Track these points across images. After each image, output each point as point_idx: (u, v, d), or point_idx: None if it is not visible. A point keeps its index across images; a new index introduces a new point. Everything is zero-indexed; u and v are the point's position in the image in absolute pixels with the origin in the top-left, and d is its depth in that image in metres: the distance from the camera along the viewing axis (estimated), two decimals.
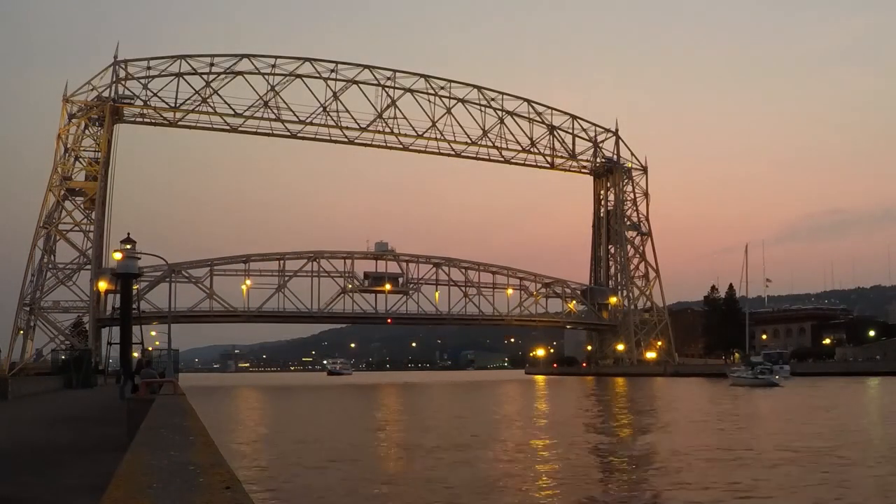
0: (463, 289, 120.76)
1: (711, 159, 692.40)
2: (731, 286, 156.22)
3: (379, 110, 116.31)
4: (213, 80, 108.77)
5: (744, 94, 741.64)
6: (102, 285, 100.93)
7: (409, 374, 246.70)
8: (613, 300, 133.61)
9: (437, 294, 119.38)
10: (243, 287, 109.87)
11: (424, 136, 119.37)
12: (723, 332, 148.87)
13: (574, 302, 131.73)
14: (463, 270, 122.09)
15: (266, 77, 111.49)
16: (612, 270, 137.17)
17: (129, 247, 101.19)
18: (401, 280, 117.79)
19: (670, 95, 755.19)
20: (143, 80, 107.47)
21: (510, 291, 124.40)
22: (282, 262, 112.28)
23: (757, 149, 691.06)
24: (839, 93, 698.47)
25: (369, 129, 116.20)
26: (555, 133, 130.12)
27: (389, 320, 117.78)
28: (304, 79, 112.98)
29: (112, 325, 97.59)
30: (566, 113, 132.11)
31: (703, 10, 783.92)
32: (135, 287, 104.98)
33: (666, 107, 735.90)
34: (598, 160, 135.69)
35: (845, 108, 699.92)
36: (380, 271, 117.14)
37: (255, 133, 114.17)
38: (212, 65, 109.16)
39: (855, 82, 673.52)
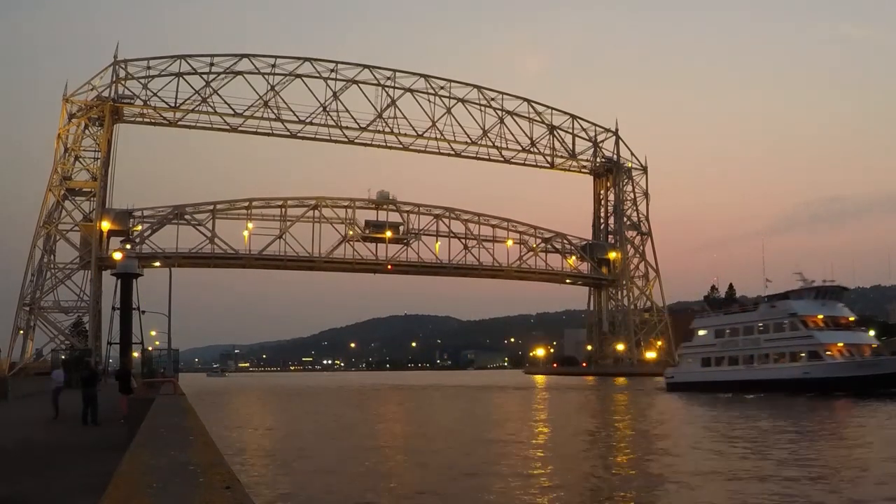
0: (463, 240, 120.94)
1: (707, 151, 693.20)
2: (731, 286, 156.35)
3: (379, 110, 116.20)
4: (213, 79, 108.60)
5: (739, 84, 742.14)
6: (105, 225, 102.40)
7: (409, 374, 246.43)
8: (613, 255, 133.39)
9: (437, 244, 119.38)
10: (245, 233, 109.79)
11: (424, 135, 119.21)
12: None
13: (574, 258, 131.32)
14: (463, 222, 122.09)
15: (266, 77, 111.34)
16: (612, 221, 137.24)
17: (129, 247, 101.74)
18: (401, 228, 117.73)
19: (667, 88, 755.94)
20: (143, 80, 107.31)
21: (510, 243, 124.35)
22: (283, 208, 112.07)
23: (752, 138, 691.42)
24: (835, 75, 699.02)
25: (369, 128, 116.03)
26: (555, 133, 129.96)
27: (389, 266, 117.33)
28: (304, 79, 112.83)
29: (112, 267, 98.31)
30: (566, 113, 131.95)
31: None
32: (137, 228, 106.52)
33: (662, 100, 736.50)
34: (598, 160, 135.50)
35: (839, 96, 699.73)
36: (381, 220, 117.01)
37: (255, 133, 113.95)
38: (212, 65, 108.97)
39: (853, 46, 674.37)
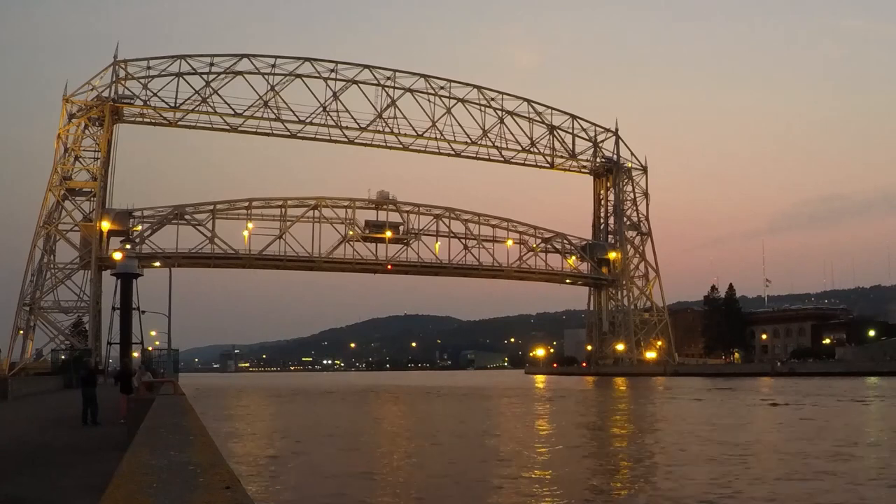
0: (463, 241, 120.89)
1: (705, 149, 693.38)
2: (730, 286, 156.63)
3: (379, 110, 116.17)
4: (213, 79, 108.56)
5: (738, 81, 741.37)
6: (105, 225, 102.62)
7: (409, 374, 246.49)
8: (613, 255, 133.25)
9: (437, 245, 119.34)
10: (245, 233, 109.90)
11: (424, 135, 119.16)
12: (722, 331, 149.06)
13: (573, 258, 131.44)
14: (463, 222, 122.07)
15: (266, 77, 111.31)
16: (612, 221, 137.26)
17: (129, 247, 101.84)
18: (401, 228, 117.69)
19: (665, 86, 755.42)
20: (142, 80, 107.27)
21: (510, 243, 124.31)
22: (283, 208, 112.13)
23: (752, 136, 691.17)
24: (835, 76, 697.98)
25: (369, 128, 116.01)
26: (555, 133, 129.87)
27: (389, 266, 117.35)
28: (304, 79, 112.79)
29: (112, 267, 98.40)
30: (566, 113, 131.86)
31: None
32: (137, 228, 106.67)
33: (661, 98, 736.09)
34: (598, 160, 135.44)
35: (838, 93, 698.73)
36: (380, 220, 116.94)
37: (255, 133, 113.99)
38: (212, 65, 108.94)
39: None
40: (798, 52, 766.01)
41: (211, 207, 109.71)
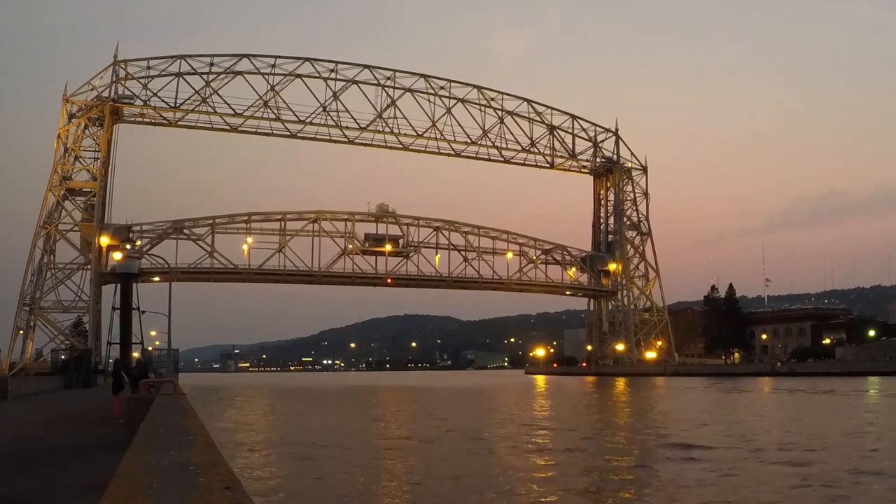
0: (463, 253, 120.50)
1: (704, 146, 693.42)
2: (730, 286, 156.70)
3: (379, 110, 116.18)
4: (213, 79, 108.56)
5: (737, 77, 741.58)
6: (104, 241, 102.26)
7: (409, 374, 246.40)
8: (613, 266, 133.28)
9: (437, 257, 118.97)
10: (244, 247, 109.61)
11: (424, 135, 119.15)
12: (722, 331, 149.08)
13: (573, 269, 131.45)
14: (463, 234, 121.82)
15: (266, 77, 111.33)
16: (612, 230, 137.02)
17: (129, 247, 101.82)
18: (401, 241, 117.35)
19: (666, 85, 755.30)
20: (142, 80, 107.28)
21: (510, 255, 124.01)
22: (283, 222, 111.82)
23: (751, 132, 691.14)
24: (835, 69, 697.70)
25: (369, 128, 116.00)
26: (555, 133, 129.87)
27: (389, 280, 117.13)
28: (304, 79, 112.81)
29: (112, 282, 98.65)
30: (566, 113, 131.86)
31: None
32: (137, 243, 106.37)
33: (661, 97, 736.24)
34: (598, 160, 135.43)
35: (838, 88, 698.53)
36: (380, 233, 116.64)
37: (255, 133, 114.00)
38: (212, 65, 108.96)
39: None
40: (798, 47, 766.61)
41: (210, 222, 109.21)
